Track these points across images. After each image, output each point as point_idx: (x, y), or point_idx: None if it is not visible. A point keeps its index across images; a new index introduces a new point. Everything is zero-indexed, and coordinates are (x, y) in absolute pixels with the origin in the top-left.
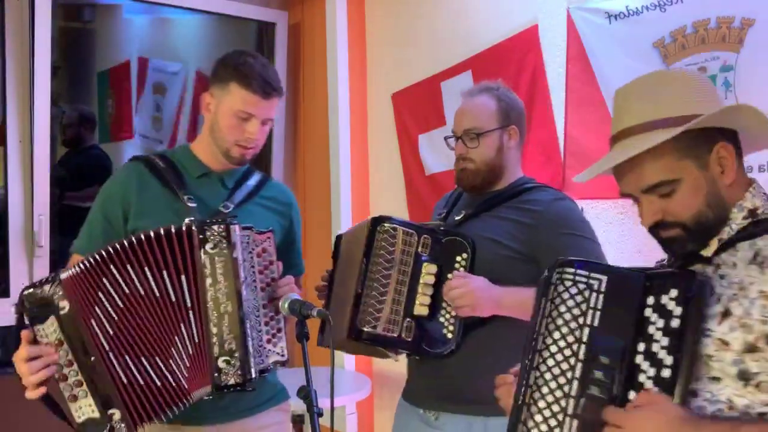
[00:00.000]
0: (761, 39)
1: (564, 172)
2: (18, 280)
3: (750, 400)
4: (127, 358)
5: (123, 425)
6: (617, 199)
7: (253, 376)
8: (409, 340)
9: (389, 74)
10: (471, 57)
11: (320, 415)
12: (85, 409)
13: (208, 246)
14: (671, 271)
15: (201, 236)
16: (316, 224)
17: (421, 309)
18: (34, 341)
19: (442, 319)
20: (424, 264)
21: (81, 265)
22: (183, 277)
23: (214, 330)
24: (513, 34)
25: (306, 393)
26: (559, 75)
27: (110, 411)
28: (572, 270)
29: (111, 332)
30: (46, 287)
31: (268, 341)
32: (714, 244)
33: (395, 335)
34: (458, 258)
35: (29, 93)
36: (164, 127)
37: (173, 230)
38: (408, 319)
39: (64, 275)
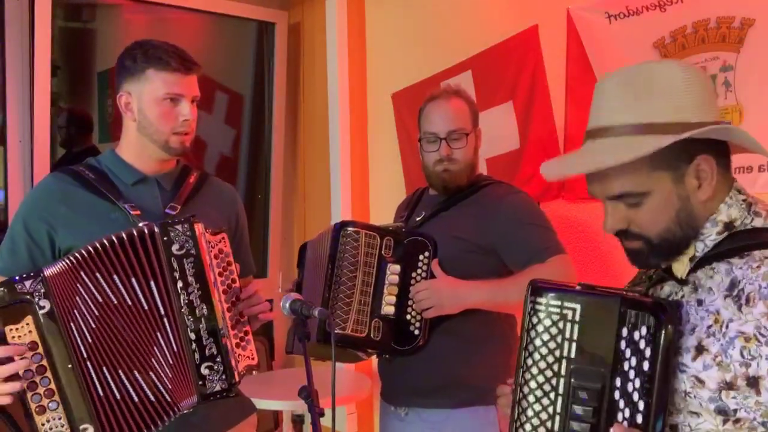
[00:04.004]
0: (761, 39)
1: None
2: None
3: None
4: (105, 369)
5: None
6: None
7: (237, 379)
8: (378, 339)
9: (389, 74)
10: (471, 57)
11: (321, 415)
12: (54, 422)
13: (174, 248)
14: (644, 302)
15: (165, 238)
16: (316, 224)
17: (387, 308)
18: (4, 341)
19: (408, 317)
20: (388, 264)
21: (64, 263)
22: (152, 284)
23: (193, 336)
24: (513, 34)
25: (307, 393)
26: (559, 75)
27: (83, 426)
28: (544, 300)
29: (90, 340)
30: (28, 283)
31: (238, 345)
32: (685, 263)
33: (363, 335)
34: (420, 257)
35: (29, 93)
36: None
37: (135, 234)
38: (375, 319)
39: (48, 271)
